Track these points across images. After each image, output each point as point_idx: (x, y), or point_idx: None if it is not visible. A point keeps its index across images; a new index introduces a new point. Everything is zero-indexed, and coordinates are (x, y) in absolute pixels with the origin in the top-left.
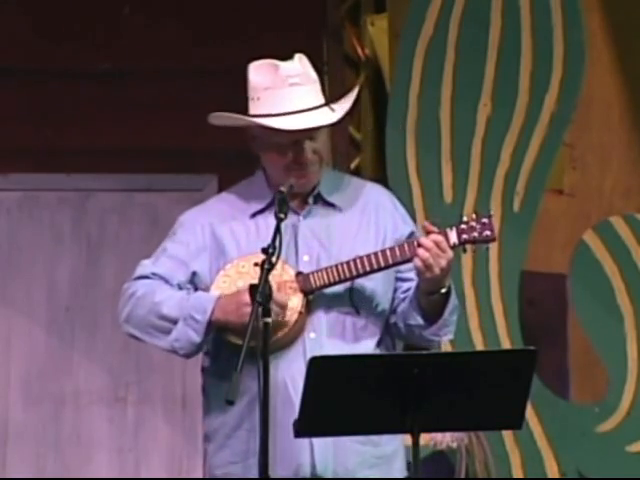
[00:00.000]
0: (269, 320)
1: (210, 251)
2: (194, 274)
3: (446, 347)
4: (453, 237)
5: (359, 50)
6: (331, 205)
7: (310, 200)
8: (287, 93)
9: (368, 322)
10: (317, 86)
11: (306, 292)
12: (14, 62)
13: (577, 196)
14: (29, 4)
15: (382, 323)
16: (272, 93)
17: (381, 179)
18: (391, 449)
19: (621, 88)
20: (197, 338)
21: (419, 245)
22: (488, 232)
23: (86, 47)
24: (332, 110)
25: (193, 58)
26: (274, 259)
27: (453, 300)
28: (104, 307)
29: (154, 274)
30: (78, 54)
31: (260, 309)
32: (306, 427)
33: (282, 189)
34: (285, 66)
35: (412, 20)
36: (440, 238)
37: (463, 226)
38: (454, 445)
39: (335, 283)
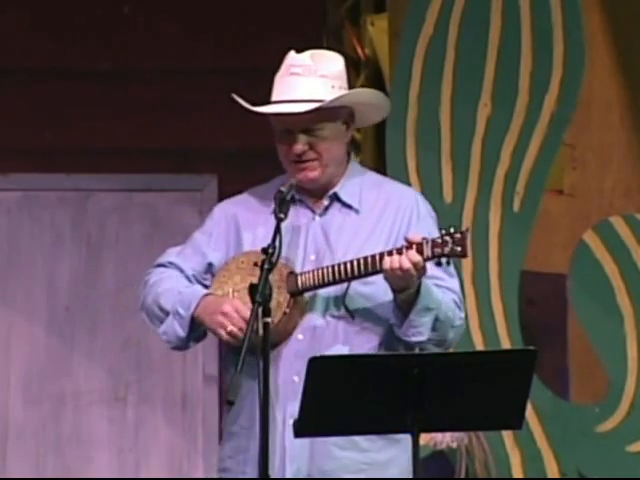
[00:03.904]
0: (269, 320)
1: (230, 244)
2: (210, 265)
3: None
4: (427, 250)
5: (359, 50)
6: (348, 206)
7: (325, 200)
8: (286, 82)
9: (364, 327)
10: (324, 81)
11: (292, 292)
12: (14, 62)
13: (577, 196)
14: (29, 4)
15: (383, 328)
16: (278, 80)
17: None
18: (383, 457)
19: (621, 88)
20: (182, 333)
21: (390, 254)
22: (459, 248)
23: (86, 47)
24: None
25: (193, 58)
26: (274, 259)
27: (423, 301)
28: (104, 307)
29: (170, 263)
30: (78, 54)
31: (260, 309)
32: (306, 427)
33: (282, 189)
34: (293, 55)
35: (412, 20)
36: (407, 265)
37: (438, 240)
38: (454, 445)
39: (321, 286)
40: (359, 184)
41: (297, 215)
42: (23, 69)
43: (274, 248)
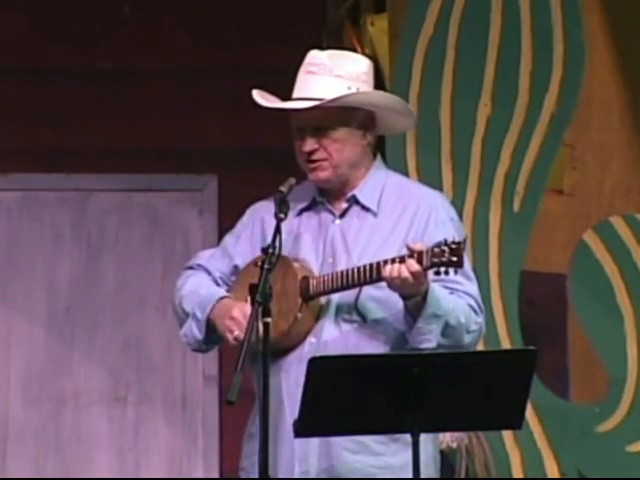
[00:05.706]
0: (269, 320)
1: (256, 247)
2: (236, 267)
3: None
4: (426, 260)
5: (359, 50)
6: (367, 209)
7: (344, 202)
8: (301, 79)
9: (376, 332)
10: (339, 81)
11: (304, 297)
12: (14, 62)
13: (577, 196)
14: (29, 4)
15: (395, 334)
16: (297, 78)
17: None
18: (398, 461)
19: (621, 88)
20: (199, 335)
21: (391, 262)
22: (454, 258)
23: (86, 47)
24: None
25: (193, 58)
26: (274, 259)
27: (430, 309)
28: (104, 307)
29: (199, 265)
30: (78, 54)
31: (260, 309)
32: (306, 427)
33: (282, 189)
34: (312, 54)
35: (412, 20)
36: (405, 274)
37: (437, 249)
38: (454, 445)
39: (332, 291)
40: (381, 186)
41: (318, 217)
42: (23, 69)
43: (274, 248)
